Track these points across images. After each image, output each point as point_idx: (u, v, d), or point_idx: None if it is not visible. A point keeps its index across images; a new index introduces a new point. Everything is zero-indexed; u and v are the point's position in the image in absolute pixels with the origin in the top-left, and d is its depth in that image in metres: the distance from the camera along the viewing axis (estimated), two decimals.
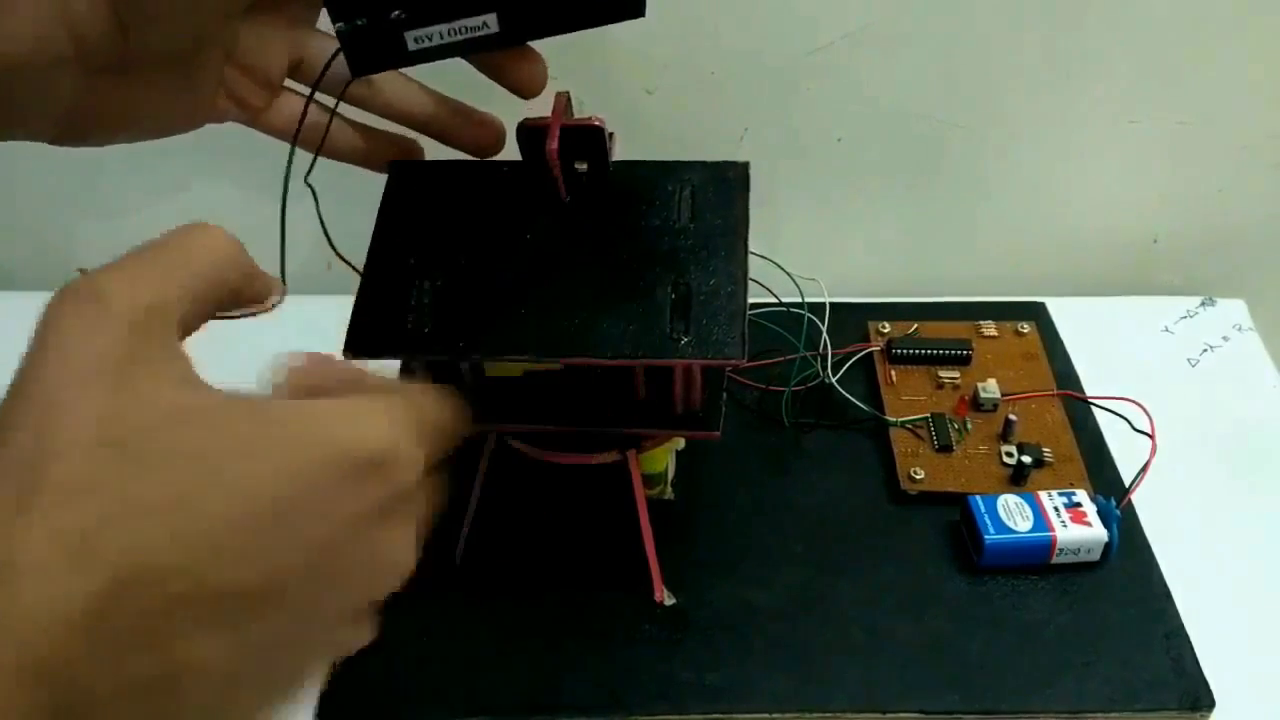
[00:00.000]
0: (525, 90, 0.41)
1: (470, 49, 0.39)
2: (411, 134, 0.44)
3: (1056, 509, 0.47)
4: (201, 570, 0.25)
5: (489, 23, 0.37)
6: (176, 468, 0.25)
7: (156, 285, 0.28)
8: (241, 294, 0.32)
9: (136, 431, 0.25)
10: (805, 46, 0.57)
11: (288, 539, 0.26)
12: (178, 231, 0.29)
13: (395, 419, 0.28)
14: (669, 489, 0.50)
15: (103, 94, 0.36)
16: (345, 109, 0.42)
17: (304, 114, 0.41)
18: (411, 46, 0.38)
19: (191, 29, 0.37)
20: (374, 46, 0.38)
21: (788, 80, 0.58)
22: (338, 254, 0.43)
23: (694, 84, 0.58)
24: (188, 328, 0.29)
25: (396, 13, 0.37)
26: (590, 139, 0.41)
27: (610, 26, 0.41)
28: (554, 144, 0.40)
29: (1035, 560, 0.47)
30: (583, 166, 0.42)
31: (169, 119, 0.40)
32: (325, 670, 0.29)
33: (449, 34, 0.38)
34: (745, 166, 0.43)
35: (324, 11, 0.38)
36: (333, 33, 0.39)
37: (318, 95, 0.41)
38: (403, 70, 0.43)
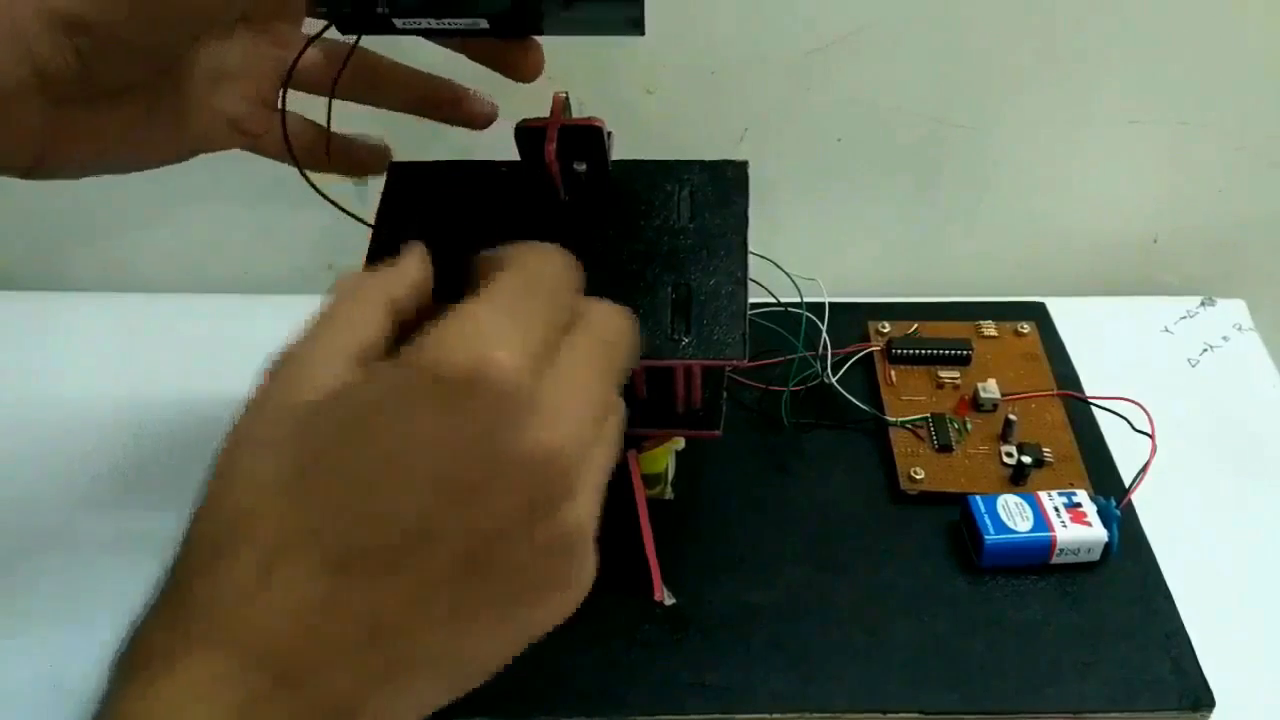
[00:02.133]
0: (521, 76, 0.40)
1: (461, 35, 0.38)
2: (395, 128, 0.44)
3: (1056, 509, 0.47)
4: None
5: (477, 24, 0.37)
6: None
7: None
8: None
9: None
10: (805, 46, 0.57)
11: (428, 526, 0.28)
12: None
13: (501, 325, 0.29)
14: (669, 489, 0.50)
15: (72, 125, 0.36)
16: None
17: (284, 89, 0.40)
18: (399, 26, 0.37)
19: (150, 60, 0.36)
20: (359, 18, 0.37)
21: (788, 80, 0.58)
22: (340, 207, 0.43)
23: (694, 84, 0.58)
24: None
25: (381, 8, 0.37)
26: (589, 139, 0.40)
27: None
28: (552, 147, 0.40)
29: (1035, 560, 0.47)
30: (581, 167, 0.42)
31: (148, 150, 0.39)
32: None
33: (438, 24, 0.37)
34: (744, 165, 0.43)
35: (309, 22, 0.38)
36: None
37: (303, 115, 0.42)
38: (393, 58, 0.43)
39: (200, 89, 0.39)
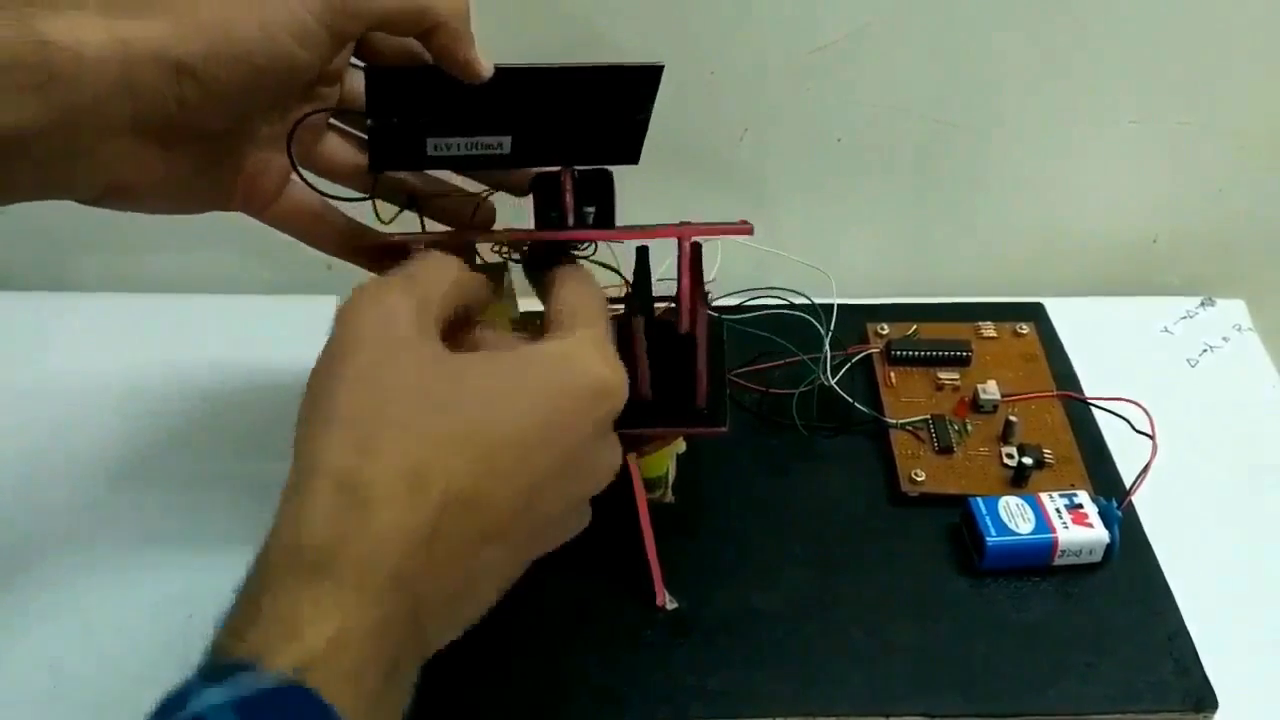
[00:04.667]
0: (519, 192, 0.43)
1: (481, 165, 0.41)
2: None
3: (1058, 510, 0.47)
4: (491, 490, 0.32)
5: (503, 144, 0.40)
6: (467, 408, 0.32)
7: (421, 289, 0.35)
8: (471, 304, 0.38)
9: (435, 381, 0.33)
10: (805, 46, 0.57)
11: (547, 453, 0.33)
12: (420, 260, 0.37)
13: (609, 353, 0.36)
14: (670, 493, 0.50)
15: (143, 163, 0.37)
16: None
17: (291, 137, 0.41)
18: (430, 152, 0.40)
19: (235, 114, 0.38)
20: (396, 146, 0.40)
21: (788, 80, 0.58)
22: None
23: (694, 84, 0.58)
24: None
25: (426, 119, 0.39)
26: (599, 183, 0.42)
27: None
28: (569, 197, 0.42)
29: (1037, 562, 0.47)
30: (590, 209, 0.43)
31: (186, 198, 0.41)
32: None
33: (465, 147, 0.40)
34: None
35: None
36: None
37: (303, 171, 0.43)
38: None
39: (239, 152, 0.41)
